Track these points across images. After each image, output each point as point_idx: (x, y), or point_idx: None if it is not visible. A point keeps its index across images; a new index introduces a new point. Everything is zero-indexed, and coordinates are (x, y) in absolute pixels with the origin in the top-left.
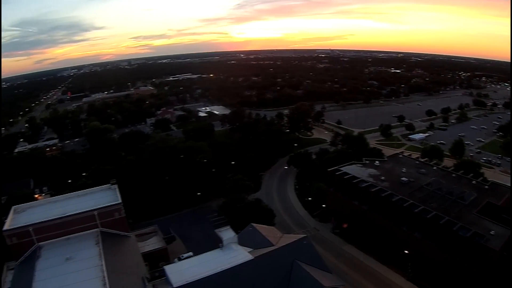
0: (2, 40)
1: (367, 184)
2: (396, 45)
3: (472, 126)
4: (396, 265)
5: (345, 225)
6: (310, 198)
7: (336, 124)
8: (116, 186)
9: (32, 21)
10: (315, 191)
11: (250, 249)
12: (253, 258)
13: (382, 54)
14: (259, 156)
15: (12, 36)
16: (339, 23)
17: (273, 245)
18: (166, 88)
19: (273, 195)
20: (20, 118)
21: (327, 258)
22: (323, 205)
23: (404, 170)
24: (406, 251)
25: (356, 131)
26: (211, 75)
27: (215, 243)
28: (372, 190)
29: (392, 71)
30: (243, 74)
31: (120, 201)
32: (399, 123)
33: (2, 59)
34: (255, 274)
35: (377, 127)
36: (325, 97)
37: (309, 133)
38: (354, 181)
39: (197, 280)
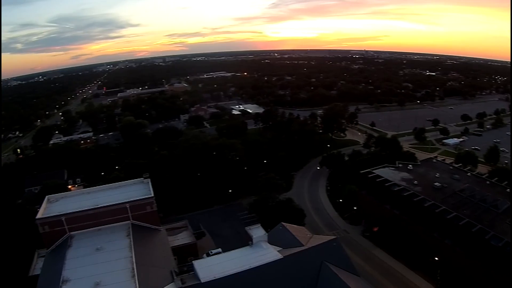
0: (40, 35)
1: (400, 188)
2: (431, 47)
3: (507, 133)
4: (425, 272)
5: (375, 229)
6: (341, 200)
7: (370, 126)
8: (148, 180)
9: (69, 17)
10: (346, 193)
11: (279, 248)
12: (282, 257)
13: (417, 56)
14: (292, 156)
15: (49, 31)
16: (373, 24)
17: (302, 245)
18: (200, 85)
19: (304, 195)
20: (56, 111)
21: (355, 261)
22: (354, 207)
23: (437, 175)
24: (436, 258)
25: (389, 134)
26: (245, 73)
27: (245, 241)
28: (404, 194)
29: (427, 73)
30: (277, 73)
31: (152, 195)
32: (433, 127)
33: (40, 53)
34: (284, 273)
35: (411, 130)
36: (359, 99)
37: (342, 134)
38: (387, 184)
39: (225, 276)
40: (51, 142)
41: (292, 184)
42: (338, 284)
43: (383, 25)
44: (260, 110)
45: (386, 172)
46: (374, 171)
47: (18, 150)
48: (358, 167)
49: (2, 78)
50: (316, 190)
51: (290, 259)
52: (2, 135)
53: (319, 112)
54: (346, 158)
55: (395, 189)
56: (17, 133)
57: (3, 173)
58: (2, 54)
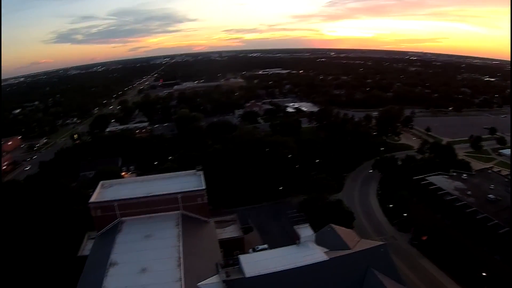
0: (100, 27)
1: (452, 197)
2: (492, 51)
3: None
4: (472, 287)
5: (424, 238)
6: (391, 205)
7: (425, 131)
8: (201, 172)
9: (128, 11)
10: (397, 199)
11: (326, 250)
12: (328, 259)
13: (476, 60)
14: (344, 157)
15: (109, 24)
16: (432, 25)
17: (349, 249)
18: (255, 81)
19: (354, 198)
20: (113, 100)
21: (401, 269)
22: (404, 214)
23: (492, 186)
24: (484, 273)
25: (444, 140)
26: (301, 71)
27: (292, 239)
28: (457, 204)
29: (486, 79)
30: (333, 72)
31: (204, 187)
32: (490, 135)
33: (100, 45)
34: (328, 275)
35: (466, 138)
36: (415, 102)
37: (396, 138)
38: (439, 193)
39: (270, 273)
40: (107, 129)
41: (343, 185)
42: None
43: (442, 27)
44: (315, 108)
45: (439, 180)
46: (427, 178)
47: (75, 136)
48: (410, 173)
49: (63, 66)
50: (367, 193)
51: (336, 261)
52: (60, 121)
53: (374, 114)
54: (399, 163)
55: (448, 198)
56: (75, 119)
57: (60, 157)
58: (63, 44)
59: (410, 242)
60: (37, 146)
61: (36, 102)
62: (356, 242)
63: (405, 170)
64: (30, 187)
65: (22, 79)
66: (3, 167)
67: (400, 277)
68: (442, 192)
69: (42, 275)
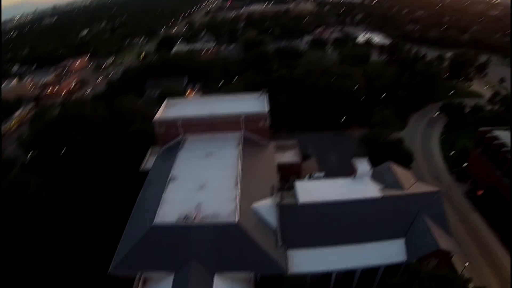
0: None
1: None
2: None
3: None
4: None
5: (480, 192)
6: (452, 153)
7: (499, 82)
8: (265, 96)
9: None
10: (460, 147)
11: (381, 187)
12: (381, 196)
13: None
14: (411, 96)
15: None
16: None
17: (403, 190)
18: (326, 8)
19: (416, 139)
20: (180, 21)
21: (450, 220)
22: (464, 165)
23: None
24: None
25: None
26: (375, 1)
27: (348, 171)
28: None
29: None
30: (409, 5)
31: (267, 110)
32: None
33: None
34: (378, 213)
35: None
36: (492, 49)
37: (467, 84)
38: (503, 149)
39: (322, 202)
40: (174, 49)
41: (406, 125)
42: (428, 239)
43: None
44: (386, 42)
45: (505, 136)
46: (493, 131)
47: (142, 55)
48: (477, 123)
49: None
50: (429, 136)
51: (388, 200)
52: (128, 40)
53: (448, 55)
54: (467, 110)
55: (510, 157)
56: (141, 39)
57: (126, 76)
58: None
59: (465, 194)
60: (104, 66)
61: (103, 23)
62: (411, 184)
63: (472, 119)
64: (97, 105)
65: (89, 1)
66: (71, 86)
67: (448, 227)
68: (505, 149)
69: (108, 187)
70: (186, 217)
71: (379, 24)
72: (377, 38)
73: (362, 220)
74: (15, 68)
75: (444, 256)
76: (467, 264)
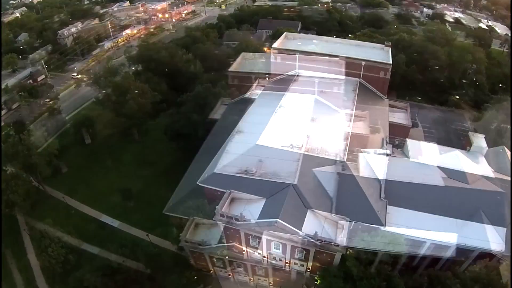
0: None
1: None
2: None
3: None
4: None
5: None
6: None
7: None
8: (389, 48)
9: None
10: None
11: (487, 169)
12: (494, 177)
13: None
14: None
15: None
16: None
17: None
18: None
19: None
20: None
21: None
22: None
23: None
24: None
25: None
26: None
27: (457, 144)
28: None
29: None
30: None
31: (390, 62)
32: None
33: None
34: (485, 194)
35: None
36: None
37: None
38: None
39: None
40: None
41: None
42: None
43: None
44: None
45: None
46: None
47: None
48: None
49: None
50: None
51: (500, 183)
52: None
53: None
54: None
55: None
56: None
57: (239, 14)
58: None
59: None
60: (217, 2)
61: None
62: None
63: None
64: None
65: None
66: (183, 15)
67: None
68: None
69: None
70: (246, 171)
71: (503, 14)
72: (499, 29)
73: (467, 196)
74: None
75: None
76: None
